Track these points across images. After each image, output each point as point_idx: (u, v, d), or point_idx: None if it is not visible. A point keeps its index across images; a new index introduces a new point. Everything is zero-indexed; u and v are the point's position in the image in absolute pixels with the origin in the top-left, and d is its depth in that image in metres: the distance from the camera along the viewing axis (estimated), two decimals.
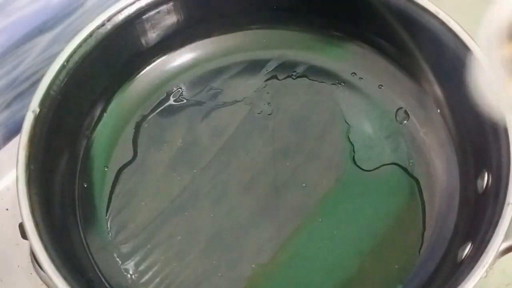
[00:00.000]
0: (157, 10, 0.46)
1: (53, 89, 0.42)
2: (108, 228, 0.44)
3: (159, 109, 0.48)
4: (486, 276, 0.37)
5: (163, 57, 0.50)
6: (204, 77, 0.50)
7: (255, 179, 0.46)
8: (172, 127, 0.48)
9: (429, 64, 0.45)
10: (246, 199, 0.45)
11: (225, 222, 0.44)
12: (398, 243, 0.43)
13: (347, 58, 0.49)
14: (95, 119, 0.47)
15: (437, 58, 0.44)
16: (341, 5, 0.47)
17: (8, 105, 0.49)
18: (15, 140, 0.45)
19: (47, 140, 0.41)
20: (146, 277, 0.43)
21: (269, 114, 0.48)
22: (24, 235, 0.37)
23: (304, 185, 0.45)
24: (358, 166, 0.46)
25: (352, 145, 0.46)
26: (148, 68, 0.49)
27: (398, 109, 0.47)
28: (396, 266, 0.42)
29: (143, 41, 0.48)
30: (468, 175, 0.43)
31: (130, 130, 0.48)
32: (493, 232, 0.36)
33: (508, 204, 0.36)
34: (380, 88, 0.48)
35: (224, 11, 0.49)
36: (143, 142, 0.47)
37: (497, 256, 0.36)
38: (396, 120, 0.47)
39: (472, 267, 0.35)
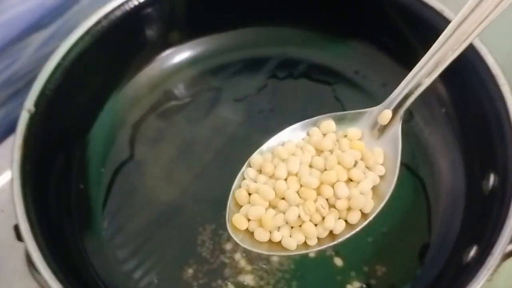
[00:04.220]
0: (154, 7, 0.46)
1: (49, 88, 0.41)
2: (104, 230, 0.44)
3: (157, 108, 0.48)
4: (491, 279, 0.37)
5: (161, 55, 0.49)
6: (204, 76, 0.49)
7: None
8: (170, 126, 0.47)
9: None
10: None
11: (225, 224, 0.44)
12: (403, 244, 0.43)
13: (350, 56, 0.49)
14: (92, 118, 0.47)
15: None
16: (344, 1, 0.47)
17: (3, 104, 0.49)
18: (10, 139, 0.45)
19: (43, 140, 0.41)
20: (144, 281, 0.42)
21: (270, 113, 0.48)
22: (19, 236, 0.37)
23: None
24: None
25: None
26: (145, 66, 0.49)
27: None
28: (401, 268, 0.42)
29: (140, 39, 0.47)
30: (473, 175, 0.43)
31: (127, 130, 0.47)
32: (498, 234, 0.36)
33: None
34: (384, 86, 0.48)
35: (223, 8, 0.48)
36: (141, 143, 0.47)
37: (503, 259, 0.36)
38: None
39: (478, 270, 0.35)
